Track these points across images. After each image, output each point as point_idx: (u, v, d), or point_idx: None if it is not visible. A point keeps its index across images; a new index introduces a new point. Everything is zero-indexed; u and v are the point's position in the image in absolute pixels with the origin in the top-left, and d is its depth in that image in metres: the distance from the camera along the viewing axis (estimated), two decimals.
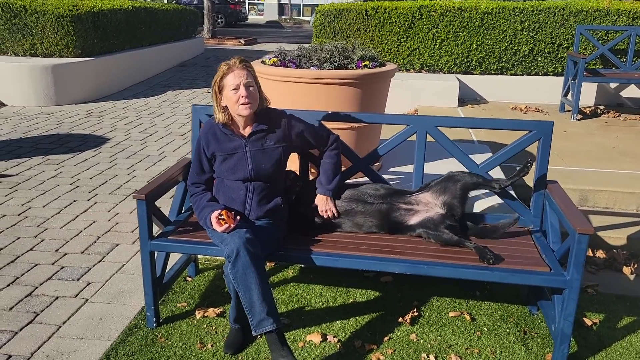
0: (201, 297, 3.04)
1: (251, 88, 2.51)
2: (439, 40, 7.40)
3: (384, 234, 2.82)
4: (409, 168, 3.68)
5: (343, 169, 2.93)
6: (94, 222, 3.98)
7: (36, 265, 3.34)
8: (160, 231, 2.79)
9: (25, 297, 3.00)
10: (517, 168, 2.83)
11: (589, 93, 7.24)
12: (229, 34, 20.30)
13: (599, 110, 7.00)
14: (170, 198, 3.11)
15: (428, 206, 2.81)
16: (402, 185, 3.55)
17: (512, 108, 7.06)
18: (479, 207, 3.39)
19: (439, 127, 2.94)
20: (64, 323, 2.78)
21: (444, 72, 7.59)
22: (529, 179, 2.88)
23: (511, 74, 7.50)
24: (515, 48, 7.31)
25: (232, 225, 2.41)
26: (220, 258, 3.17)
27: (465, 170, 2.95)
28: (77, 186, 4.69)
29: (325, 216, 2.80)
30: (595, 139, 5.64)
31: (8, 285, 3.11)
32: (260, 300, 2.33)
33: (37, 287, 3.10)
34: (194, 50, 13.11)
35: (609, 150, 5.20)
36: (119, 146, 5.92)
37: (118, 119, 7.17)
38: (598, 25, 7.08)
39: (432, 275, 2.51)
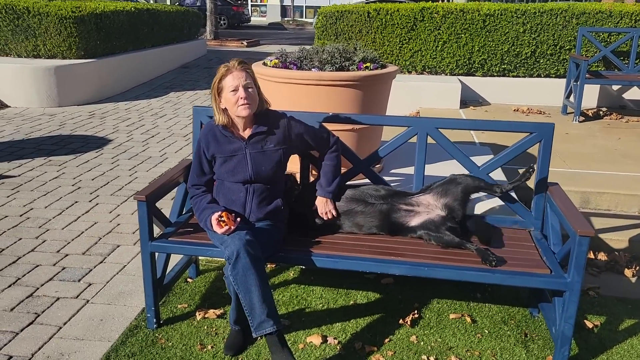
0: (202, 299, 3.04)
1: (250, 89, 2.51)
2: (441, 42, 7.40)
3: (384, 235, 2.82)
4: (410, 170, 3.68)
5: (344, 170, 2.94)
6: (95, 223, 3.99)
7: (37, 266, 3.35)
8: (161, 232, 2.79)
9: (26, 297, 3.01)
10: (519, 170, 2.83)
11: (591, 95, 7.24)
12: (232, 35, 20.32)
13: (601, 112, 6.99)
14: (172, 199, 3.11)
15: (429, 208, 2.81)
16: (403, 186, 3.55)
17: (514, 110, 7.06)
18: (480, 208, 3.39)
19: (439, 129, 2.94)
20: (64, 324, 2.78)
21: (446, 74, 7.59)
22: (530, 181, 2.87)
23: (513, 76, 7.50)
24: (518, 50, 7.31)
25: (233, 227, 2.41)
26: (221, 259, 3.17)
27: (467, 172, 2.95)
28: (79, 187, 4.69)
29: (325, 218, 2.80)
30: (597, 141, 5.63)
31: (9, 286, 3.12)
32: (260, 302, 2.33)
33: (38, 288, 3.10)
34: (196, 52, 13.13)
35: (611, 153, 5.19)
36: (121, 147, 5.93)
37: (120, 120, 7.19)
38: (600, 27, 7.07)
39: (433, 277, 2.51)
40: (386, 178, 3.39)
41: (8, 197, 4.43)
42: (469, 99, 7.51)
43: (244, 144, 2.59)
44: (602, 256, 3.60)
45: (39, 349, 2.58)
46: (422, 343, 2.69)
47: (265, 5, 36.15)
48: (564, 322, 2.43)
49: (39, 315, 2.84)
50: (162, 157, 5.64)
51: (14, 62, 7.75)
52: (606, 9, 7.10)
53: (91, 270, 3.32)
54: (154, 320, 2.74)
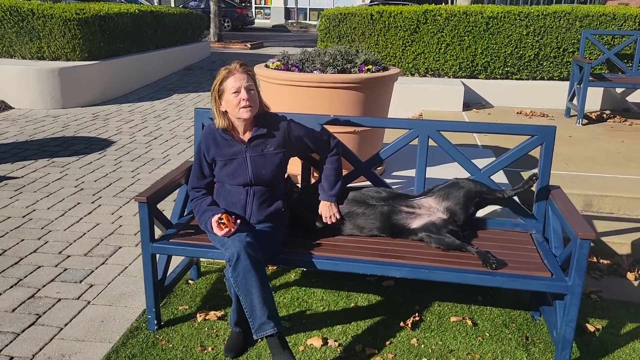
0: (203, 300, 3.04)
1: (252, 91, 2.52)
2: (444, 45, 7.39)
3: (385, 238, 2.81)
4: (412, 172, 3.67)
5: (345, 172, 2.94)
6: (97, 224, 4.00)
7: (39, 267, 3.36)
8: (162, 234, 2.80)
9: (28, 298, 3.02)
10: (522, 173, 2.82)
11: (594, 98, 7.22)
12: (236, 37, 20.37)
13: (604, 115, 6.98)
14: (174, 201, 3.12)
15: (430, 211, 2.81)
16: (405, 189, 3.55)
17: (517, 112, 7.05)
18: (482, 211, 3.38)
19: (441, 132, 2.94)
20: (65, 325, 2.79)
21: (449, 77, 7.59)
22: None
23: (516, 79, 7.49)
24: (521, 52, 7.30)
25: (233, 229, 2.42)
26: (223, 261, 3.17)
27: (468, 174, 2.95)
28: (82, 189, 4.71)
29: (329, 222, 2.79)
30: (600, 144, 5.62)
31: (11, 287, 3.13)
32: (261, 304, 2.33)
33: (39, 289, 3.11)
34: (200, 54, 13.16)
35: (614, 156, 5.17)
36: (124, 149, 5.94)
37: (123, 122, 7.21)
38: (604, 30, 7.06)
39: (434, 280, 2.50)
40: (388, 180, 3.39)
41: (11, 198, 4.45)
42: (472, 101, 7.50)
43: (244, 147, 2.60)
44: (604, 259, 3.59)
45: (40, 349, 2.59)
46: (422, 346, 2.68)
47: (269, 7, 36.21)
48: (565, 325, 2.42)
49: (40, 316, 2.85)
50: (164, 158, 5.65)
51: (18, 64, 7.79)
52: (610, 11, 7.09)
53: (93, 271, 3.33)
54: (155, 321, 2.75)
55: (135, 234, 3.83)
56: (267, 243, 2.50)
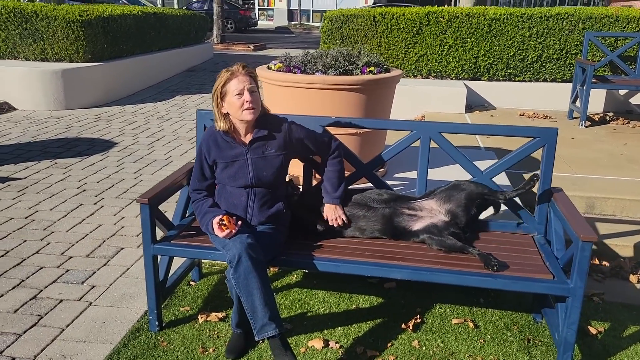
0: (204, 302, 3.04)
1: (254, 93, 2.52)
2: (446, 47, 7.39)
3: (387, 240, 2.81)
4: (414, 174, 3.67)
5: (347, 174, 2.93)
6: (99, 225, 4.01)
7: (41, 268, 3.37)
8: (164, 235, 2.80)
9: (30, 299, 3.02)
10: (524, 175, 2.82)
11: (597, 100, 7.21)
12: (239, 39, 20.40)
13: (607, 117, 6.96)
14: (175, 202, 3.12)
15: (432, 213, 2.80)
16: (406, 191, 3.54)
17: (520, 114, 7.04)
18: (483, 213, 3.37)
19: (442, 133, 2.94)
20: (67, 326, 2.79)
21: (452, 78, 7.58)
22: (534, 186, 2.86)
23: (519, 80, 7.48)
24: (524, 54, 7.29)
25: (234, 231, 2.42)
26: (224, 263, 3.17)
27: (470, 176, 2.94)
28: (84, 190, 4.72)
29: (336, 224, 2.79)
30: (603, 146, 5.60)
31: (13, 288, 3.13)
32: (262, 305, 2.33)
33: (41, 290, 3.12)
34: (203, 56, 13.18)
35: (617, 158, 5.16)
36: (127, 150, 5.96)
37: (126, 123, 7.22)
38: (607, 32, 7.04)
39: (435, 282, 2.50)
40: (389, 182, 3.38)
41: (14, 199, 4.46)
42: (474, 103, 7.49)
43: (245, 149, 2.60)
44: (606, 262, 3.58)
45: (42, 350, 2.59)
46: (424, 348, 2.68)
47: (272, 9, 36.26)
48: (566, 328, 2.41)
49: (42, 317, 2.86)
50: (167, 160, 5.66)
51: (22, 65, 7.81)
52: (613, 13, 7.08)
53: (94, 272, 3.34)
54: (156, 323, 2.75)
55: (137, 235, 3.84)
56: (268, 244, 2.50)
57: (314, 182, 3.10)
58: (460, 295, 3.13)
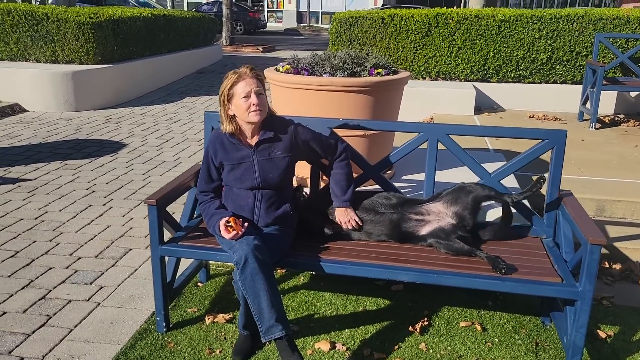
0: (211, 303, 3.05)
1: (262, 96, 2.53)
2: (455, 48, 7.37)
3: (394, 242, 2.80)
4: (422, 176, 3.66)
5: (354, 176, 2.93)
6: (108, 226, 4.03)
7: (50, 268, 3.39)
8: (172, 236, 2.81)
9: (39, 300, 3.04)
10: (533, 177, 2.80)
11: (608, 102, 7.15)
12: (248, 41, 20.46)
13: (618, 119, 6.91)
14: (183, 204, 3.13)
15: (439, 216, 2.79)
16: (414, 193, 3.53)
17: (530, 116, 7.00)
18: (491, 215, 3.36)
19: (450, 135, 2.92)
20: (75, 326, 2.81)
21: (461, 80, 7.56)
22: (543, 188, 2.84)
23: (529, 82, 7.44)
24: (533, 56, 7.25)
25: (240, 232, 2.42)
26: (231, 264, 3.18)
27: (478, 178, 2.93)
28: (93, 191, 4.75)
29: (349, 227, 2.78)
30: (614, 148, 5.56)
31: (23, 288, 3.16)
32: (269, 307, 2.33)
33: (50, 290, 3.14)
34: (212, 58, 13.23)
35: (627, 160, 5.11)
36: (136, 152, 5.99)
37: (136, 124, 7.26)
38: (618, 33, 6.99)
39: (442, 285, 2.49)
40: (397, 184, 3.38)
41: (24, 200, 4.50)
42: (483, 105, 7.46)
43: (251, 151, 2.60)
44: (616, 265, 3.55)
45: (50, 350, 2.61)
46: (431, 351, 2.66)
47: (282, 11, 36.34)
48: (575, 331, 2.39)
49: (50, 318, 2.88)
50: (175, 161, 5.68)
51: (33, 67, 7.88)
52: (624, 14, 7.02)
53: (103, 273, 3.36)
54: (164, 324, 2.76)
55: (146, 237, 3.86)
56: (275, 246, 2.50)
57: (322, 185, 3.10)
58: (468, 298, 3.11)
